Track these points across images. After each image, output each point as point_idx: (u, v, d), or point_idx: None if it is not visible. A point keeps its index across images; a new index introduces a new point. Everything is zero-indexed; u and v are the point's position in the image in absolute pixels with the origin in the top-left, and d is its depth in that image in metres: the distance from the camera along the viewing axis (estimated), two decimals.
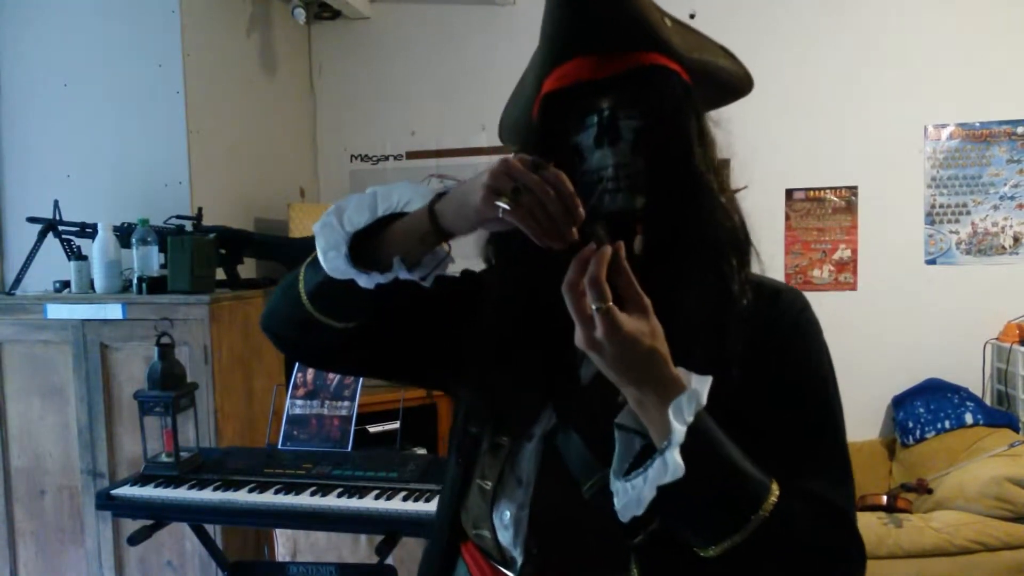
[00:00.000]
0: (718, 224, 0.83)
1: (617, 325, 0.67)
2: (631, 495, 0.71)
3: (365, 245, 0.83)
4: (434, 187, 0.84)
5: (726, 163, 0.89)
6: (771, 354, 0.81)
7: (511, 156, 0.73)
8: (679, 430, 0.69)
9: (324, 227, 0.83)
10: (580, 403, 0.84)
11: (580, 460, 0.81)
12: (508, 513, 0.86)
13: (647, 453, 0.72)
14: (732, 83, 0.93)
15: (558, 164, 0.81)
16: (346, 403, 2.05)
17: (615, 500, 0.72)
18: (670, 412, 0.69)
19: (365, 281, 0.81)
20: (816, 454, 0.79)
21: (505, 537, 0.86)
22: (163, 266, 2.49)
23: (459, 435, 0.96)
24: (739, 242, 0.85)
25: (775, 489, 0.72)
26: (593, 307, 0.68)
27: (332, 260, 0.82)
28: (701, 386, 0.71)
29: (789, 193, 3.48)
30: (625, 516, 0.71)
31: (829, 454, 0.80)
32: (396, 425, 2.20)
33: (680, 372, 0.72)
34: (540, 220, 0.70)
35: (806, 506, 0.74)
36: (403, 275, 0.81)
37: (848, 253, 3.45)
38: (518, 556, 0.85)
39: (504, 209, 0.70)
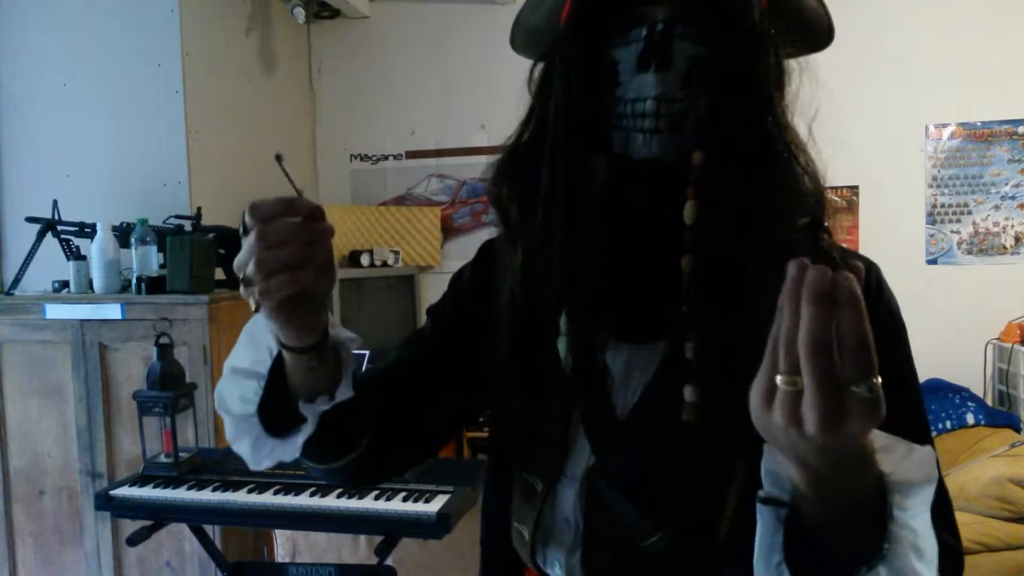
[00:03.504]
0: (800, 196, 0.66)
1: (800, 421, 0.46)
2: None
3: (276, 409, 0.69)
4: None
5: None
6: None
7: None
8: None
9: (233, 429, 0.71)
10: (617, 444, 0.71)
11: (626, 512, 0.70)
12: (558, 562, 0.75)
13: (793, 527, 0.55)
14: (812, 28, 0.72)
15: (592, 82, 0.68)
16: None
17: None
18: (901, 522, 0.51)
19: (290, 449, 0.69)
20: None
21: None
22: (162, 266, 2.48)
23: (493, 457, 0.85)
24: (819, 215, 0.68)
25: None
26: (779, 380, 0.46)
27: (246, 449, 0.70)
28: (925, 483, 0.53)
29: None
30: None
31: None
32: None
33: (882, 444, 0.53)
34: (270, 276, 0.57)
35: (948, 563, 0.59)
36: (324, 407, 0.68)
37: None
38: None
39: (257, 306, 0.59)
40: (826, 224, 0.69)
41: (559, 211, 0.70)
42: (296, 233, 0.57)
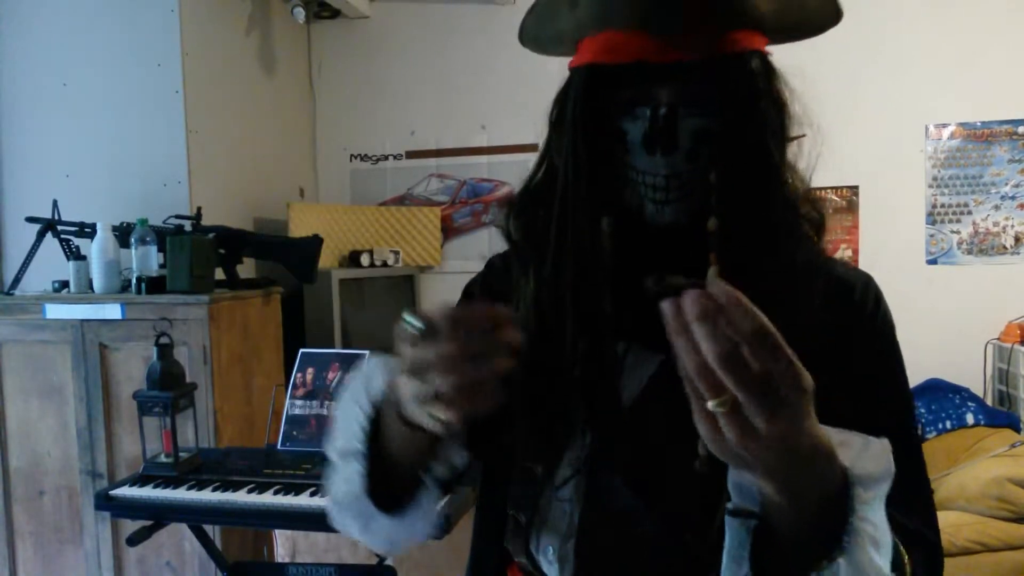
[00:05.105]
0: (800, 241, 0.70)
1: (751, 431, 0.48)
2: None
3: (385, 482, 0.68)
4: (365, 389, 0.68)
5: (799, 124, 0.72)
6: (843, 364, 0.66)
7: (399, 334, 0.57)
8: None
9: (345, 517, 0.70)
10: (620, 430, 0.73)
11: (624, 498, 0.72)
12: (552, 548, 0.75)
13: (761, 537, 0.58)
14: (815, 21, 0.74)
15: (600, 146, 0.69)
16: None
17: None
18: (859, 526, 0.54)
19: (424, 527, 0.70)
20: (904, 483, 0.63)
21: (551, 571, 0.76)
22: (162, 266, 2.48)
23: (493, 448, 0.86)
24: (817, 248, 0.73)
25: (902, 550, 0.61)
26: (710, 406, 0.48)
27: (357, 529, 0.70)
28: (879, 474, 0.55)
29: None
30: None
31: (917, 482, 0.66)
32: None
33: (835, 444, 0.54)
34: (474, 394, 0.54)
35: (921, 557, 0.63)
36: (441, 475, 0.69)
37: (849, 253, 3.45)
38: None
39: (433, 424, 0.56)
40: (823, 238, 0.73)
41: (569, 268, 0.71)
42: (494, 347, 0.54)
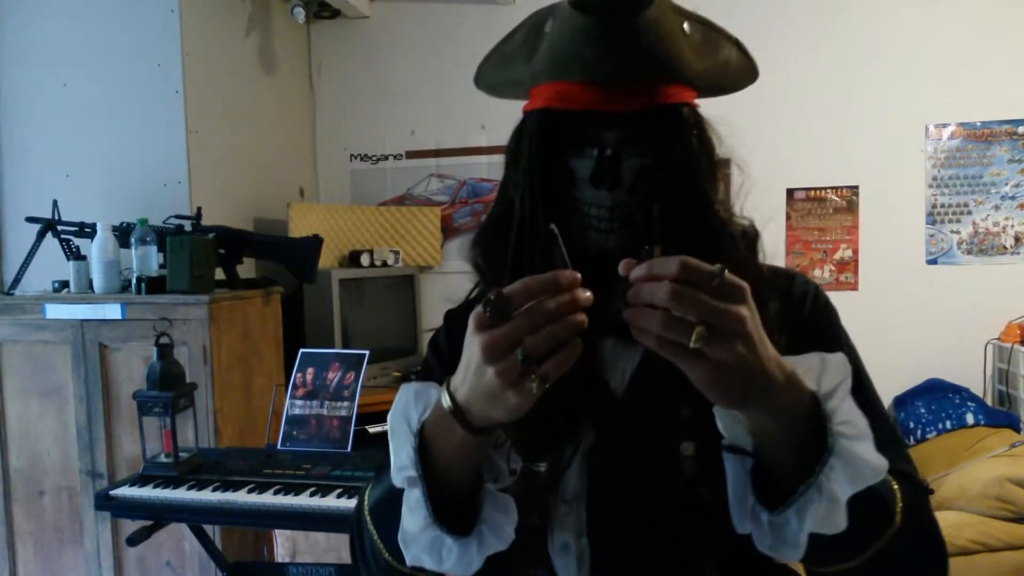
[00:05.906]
0: (735, 251, 0.79)
1: (732, 345, 0.57)
2: (779, 534, 0.63)
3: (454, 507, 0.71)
4: (410, 408, 0.72)
5: (726, 163, 0.82)
6: (798, 339, 0.74)
7: (475, 320, 0.60)
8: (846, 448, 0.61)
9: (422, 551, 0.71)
10: (617, 419, 0.79)
11: (629, 487, 0.76)
12: (567, 546, 0.79)
13: (760, 472, 0.65)
14: (736, 80, 0.85)
15: (550, 181, 0.77)
16: (346, 403, 2.04)
17: (757, 540, 0.65)
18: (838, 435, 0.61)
19: (498, 540, 0.71)
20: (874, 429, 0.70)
21: (567, 572, 0.79)
22: (162, 266, 2.48)
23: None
24: (750, 254, 0.82)
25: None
26: (692, 344, 0.56)
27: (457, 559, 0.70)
28: (839, 384, 0.63)
29: (790, 193, 3.47)
30: (787, 556, 0.64)
31: (883, 428, 0.72)
32: None
33: (795, 367, 0.63)
34: (561, 348, 0.59)
35: (908, 488, 0.70)
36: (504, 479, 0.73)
37: (849, 253, 3.45)
38: None
39: (538, 388, 0.59)
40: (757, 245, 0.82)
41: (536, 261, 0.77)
42: (568, 305, 0.59)
